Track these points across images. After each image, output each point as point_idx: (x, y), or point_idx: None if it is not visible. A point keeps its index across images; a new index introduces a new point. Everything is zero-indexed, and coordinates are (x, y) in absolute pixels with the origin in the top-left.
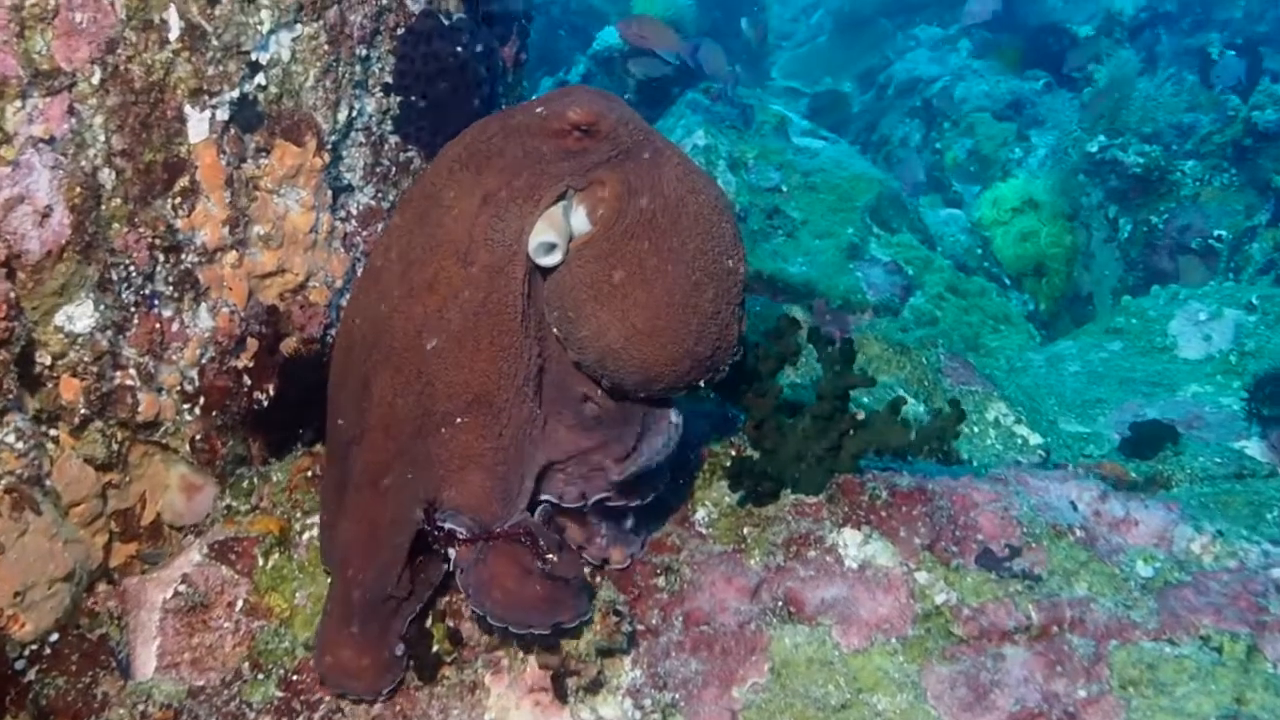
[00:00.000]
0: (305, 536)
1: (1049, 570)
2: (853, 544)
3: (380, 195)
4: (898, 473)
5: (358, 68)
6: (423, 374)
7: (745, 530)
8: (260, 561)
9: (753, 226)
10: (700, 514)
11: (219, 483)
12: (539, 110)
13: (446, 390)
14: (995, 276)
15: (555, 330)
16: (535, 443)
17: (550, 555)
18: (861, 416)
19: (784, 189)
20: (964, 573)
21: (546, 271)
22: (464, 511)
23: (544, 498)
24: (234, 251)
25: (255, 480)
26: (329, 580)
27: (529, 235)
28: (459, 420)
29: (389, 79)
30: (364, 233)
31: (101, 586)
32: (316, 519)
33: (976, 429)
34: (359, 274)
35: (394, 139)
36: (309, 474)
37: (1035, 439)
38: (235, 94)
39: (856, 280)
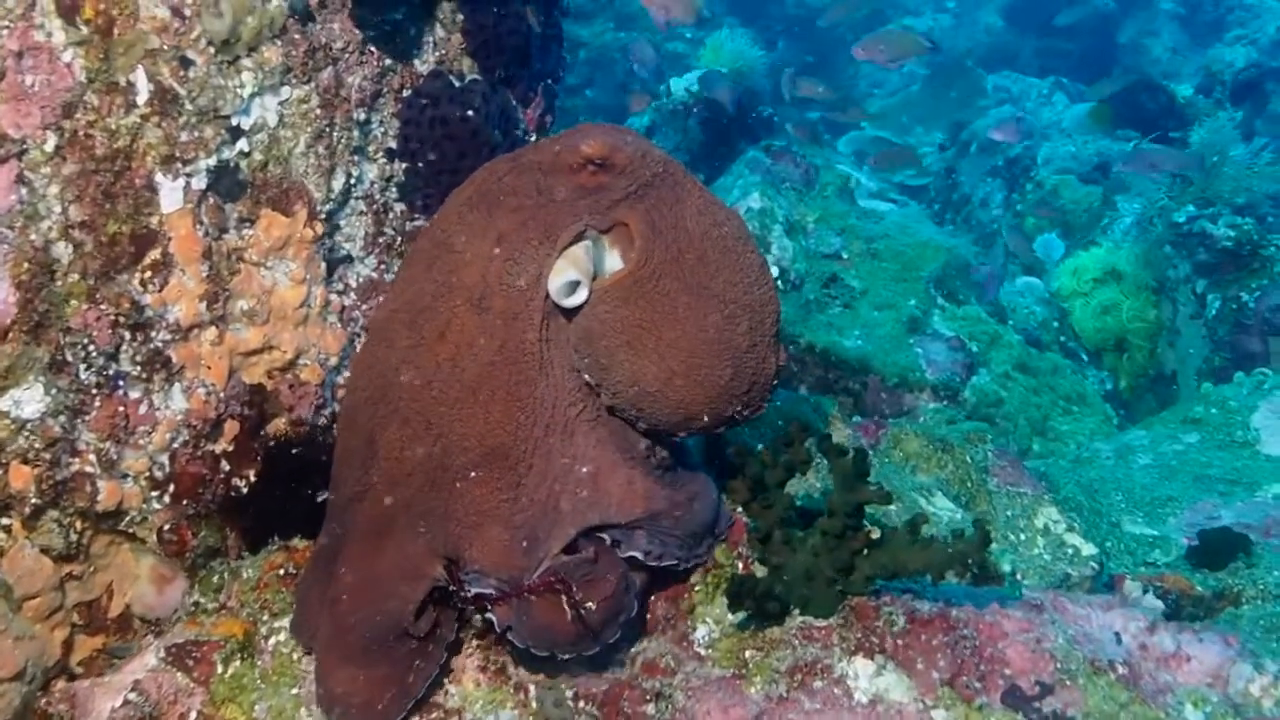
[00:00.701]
0: (271, 641)
1: (1084, 712)
2: (864, 675)
3: (383, 267)
4: (918, 596)
5: (356, 132)
6: (433, 425)
7: (748, 654)
8: (219, 669)
9: (808, 295)
10: (700, 632)
11: (189, 576)
12: (552, 147)
13: (460, 443)
14: (1072, 352)
15: (586, 376)
16: (575, 493)
17: (589, 603)
18: (876, 535)
19: (844, 255)
20: (988, 712)
21: (569, 314)
22: (488, 571)
23: (630, 553)
24: (213, 328)
25: (226, 575)
26: (289, 682)
27: (548, 277)
28: (473, 474)
29: (393, 144)
30: (364, 306)
31: (60, 684)
32: (285, 622)
33: (1024, 536)
34: (363, 338)
35: (399, 207)
36: (281, 572)
37: (1088, 549)
38: (213, 161)
39: (915, 357)
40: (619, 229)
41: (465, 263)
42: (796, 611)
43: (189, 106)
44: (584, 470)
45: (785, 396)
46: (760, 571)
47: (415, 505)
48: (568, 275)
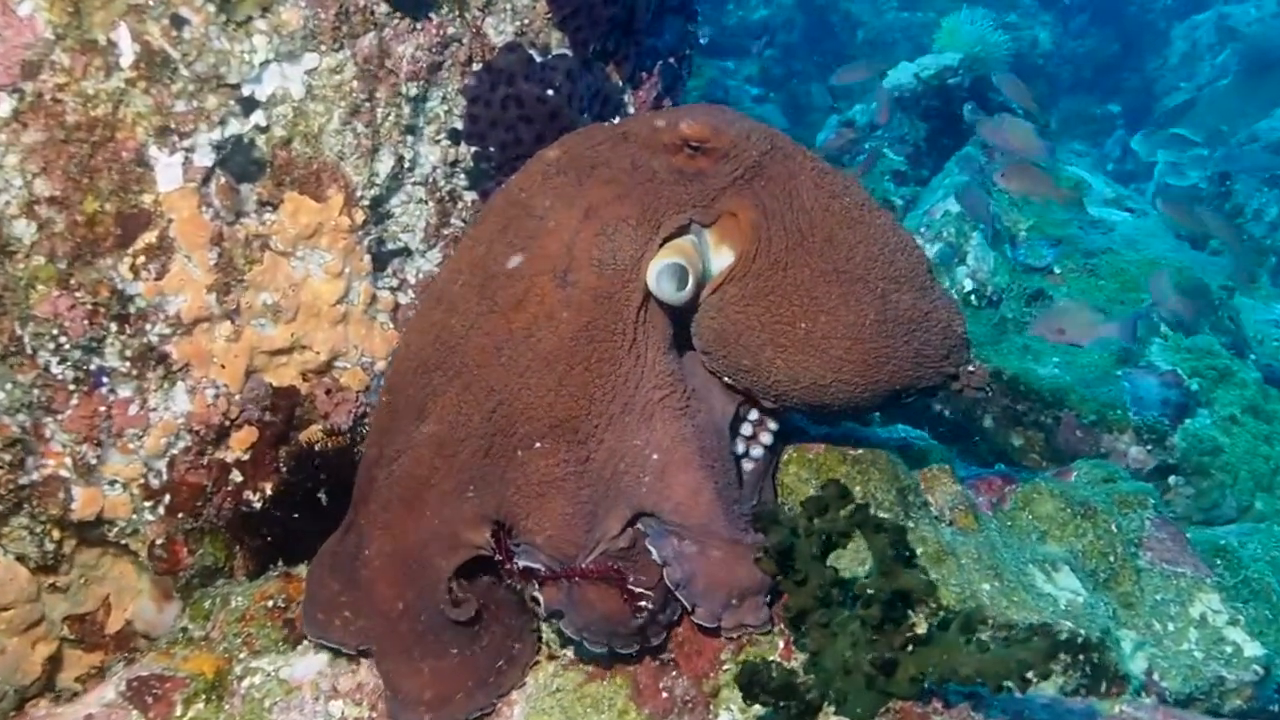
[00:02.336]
0: (245, 684)
1: None
2: None
3: None
4: (980, 705)
5: (406, 109)
6: (496, 392)
7: None
8: (179, 710)
9: (1006, 314)
10: (723, 719)
11: (183, 596)
12: (652, 121)
13: (527, 412)
14: None
15: (728, 379)
16: (638, 477)
17: (642, 595)
18: (922, 630)
19: (1056, 270)
20: None
21: (670, 308)
22: (543, 545)
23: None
24: (227, 323)
25: (218, 601)
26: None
27: (648, 262)
28: (538, 445)
29: (459, 124)
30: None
31: (43, 704)
32: (264, 662)
33: (1172, 627)
34: (419, 303)
35: (470, 196)
36: (270, 604)
37: (1252, 648)
38: (217, 135)
39: (1120, 392)
40: (726, 220)
41: (547, 230)
42: (831, 710)
43: (184, 72)
44: (654, 457)
45: (877, 436)
46: (800, 657)
47: (464, 471)
48: (673, 261)
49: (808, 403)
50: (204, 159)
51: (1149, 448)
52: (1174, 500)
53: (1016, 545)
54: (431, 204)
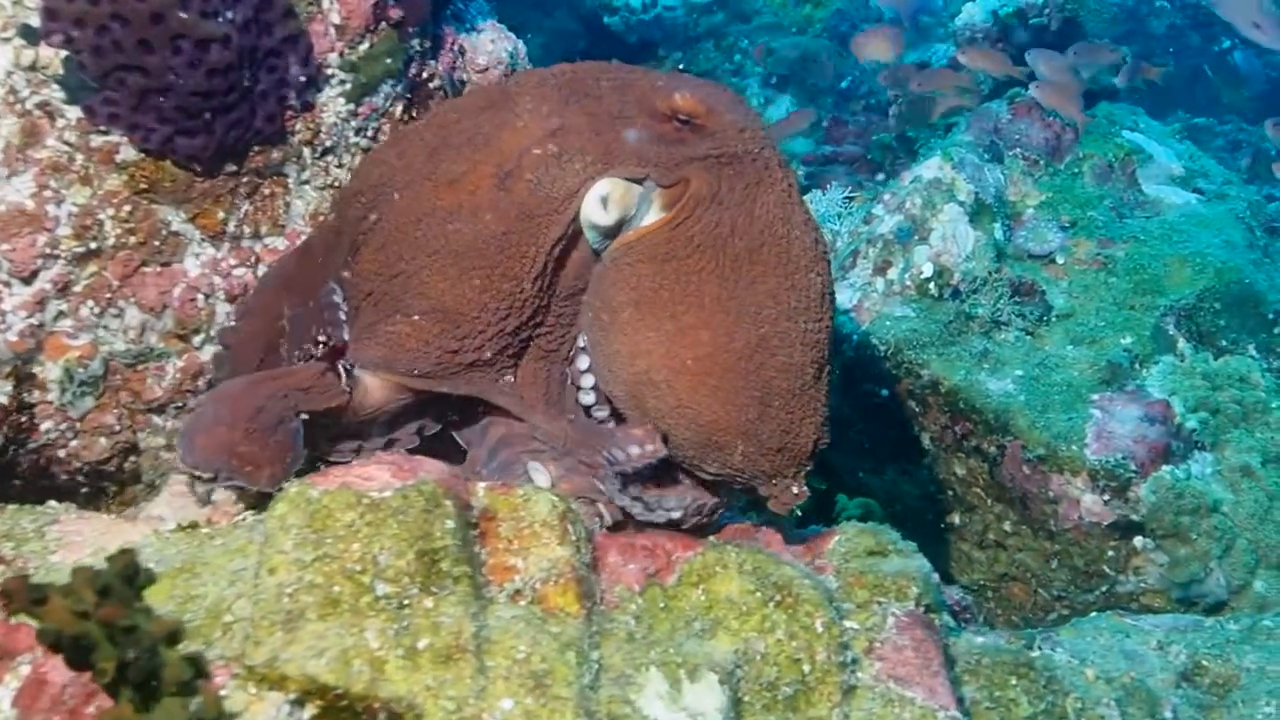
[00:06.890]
0: None
1: None
2: None
3: (50, 193)
4: None
5: None
6: (403, 262)
7: None
8: None
9: (971, 310)
10: None
11: None
12: (652, 81)
13: (421, 289)
14: None
15: (586, 333)
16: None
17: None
18: None
19: (1059, 260)
20: None
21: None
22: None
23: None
24: None
25: None
26: None
27: (582, 198)
28: (415, 317)
29: (34, 20)
30: (5, 247)
31: None
32: None
33: None
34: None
35: (74, 112)
36: None
37: None
38: None
39: (1081, 422)
40: (680, 187)
41: (514, 128)
42: None
43: None
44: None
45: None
46: None
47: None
48: (600, 191)
49: (633, 396)
50: None
51: (1106, 498)
52: (1144, 570)
53: (652, 639)
54: (12, 118)
